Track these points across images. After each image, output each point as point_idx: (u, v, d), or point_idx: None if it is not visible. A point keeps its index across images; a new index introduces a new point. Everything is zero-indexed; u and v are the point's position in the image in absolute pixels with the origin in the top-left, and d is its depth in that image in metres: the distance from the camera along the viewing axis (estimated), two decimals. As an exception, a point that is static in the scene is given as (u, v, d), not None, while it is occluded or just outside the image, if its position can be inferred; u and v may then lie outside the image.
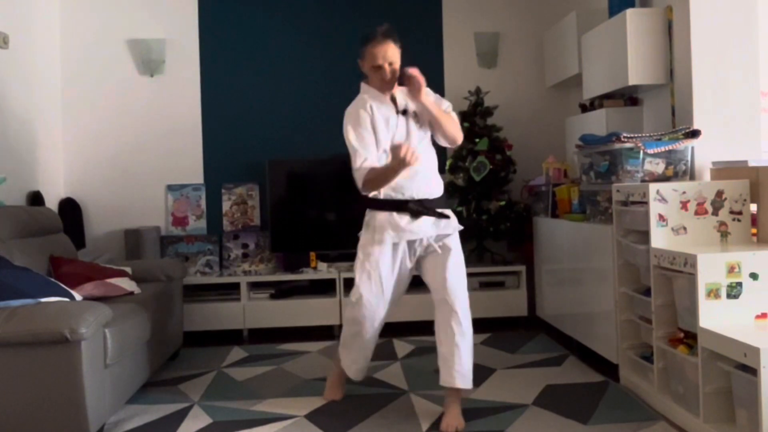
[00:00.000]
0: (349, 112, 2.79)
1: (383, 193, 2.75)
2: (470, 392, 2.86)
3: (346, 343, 2.95)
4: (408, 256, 2.80)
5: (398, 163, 2.55)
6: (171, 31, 4.69)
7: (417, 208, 2.73)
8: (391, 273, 2.79)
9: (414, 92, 2.68)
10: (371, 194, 2.76)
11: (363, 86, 2.85)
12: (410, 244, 2.78)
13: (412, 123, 2.79)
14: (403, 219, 2.74)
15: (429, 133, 2.84)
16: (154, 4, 4.69)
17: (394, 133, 2.76)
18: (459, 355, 2.69)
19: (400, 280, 2.84)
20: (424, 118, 2.80)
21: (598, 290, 3.34)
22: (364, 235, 2.84)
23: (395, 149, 2.58)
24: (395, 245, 2.77)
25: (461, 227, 2.84)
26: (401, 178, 2.69)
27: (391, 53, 2.69)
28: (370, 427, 2.68)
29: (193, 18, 4.72)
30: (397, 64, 2.72)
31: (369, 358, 3.00)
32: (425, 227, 2.75)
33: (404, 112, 2.78)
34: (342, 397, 3.02)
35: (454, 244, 2.80)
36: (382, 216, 2.76)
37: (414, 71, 2.64)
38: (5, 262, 2.77)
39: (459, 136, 2.83)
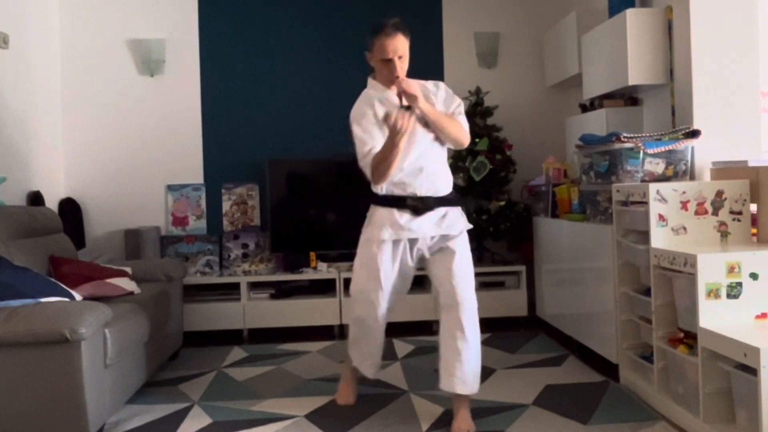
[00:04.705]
0: (354, 109, 2.72)
1: (385, 188, 2.68)
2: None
3: (356, 340, 2.89)
4: (409, 255, 2.71)
5: (393, 133, 2.42)
6: (171, 31, 4.70)
7: (417, 204, 2.64)
8: (390, 269, 2.71)
9: (411, 103, 2.54)
10: (377, 189, 2.68)
11: (369, 81, 2.77)
12: (412, 242, 2.69)
13: (414, 119, 2.62)
14: (402, 216, 2.65)
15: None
16: (154, 4, 4.69)
17: None
18: (460, 361, 2.63)
19: (401, 277, 2.76)
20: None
21: (598, 290, 3.34)
22: (365, 231, 2.78)
23: (386, 118, 2.48)
24: (395, 242, 2.69)
25: (470, 226, 2.75)
26: (404, 175, 2.64)
27: (401, 46, 2.61)
28: (370, 427, 2.68)
29: (193, 18, 4.72)
30: (407, 58, 2.65)
31: (380, 355, 2.92)
32: (425, 226, 2.65)
33: (408, 108, 2.59)
34: (355, 402, 2.95)
35: (461, 246, 2.69)
36: (382, 212, 2.69)
37: (405, 87, 2.52)
38: (5, 262, 2.77)
39: (462, 139, 2.69)
